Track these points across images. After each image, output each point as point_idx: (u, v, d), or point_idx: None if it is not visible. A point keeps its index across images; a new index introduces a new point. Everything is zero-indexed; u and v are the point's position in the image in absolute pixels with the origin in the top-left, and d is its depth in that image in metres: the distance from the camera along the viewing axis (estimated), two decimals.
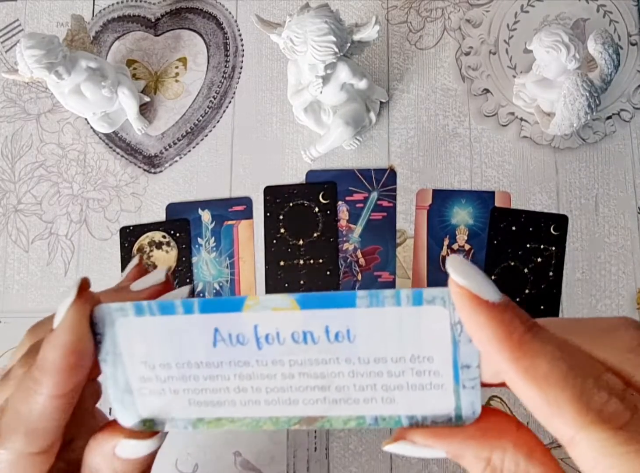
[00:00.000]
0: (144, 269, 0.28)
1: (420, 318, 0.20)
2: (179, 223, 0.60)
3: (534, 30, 0.60)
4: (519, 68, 0.60)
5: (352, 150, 0.59)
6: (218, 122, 0.62)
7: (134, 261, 0.28)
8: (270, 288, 0.58)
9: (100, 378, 0.23)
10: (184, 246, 0.60)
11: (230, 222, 0.60)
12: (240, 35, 0.64)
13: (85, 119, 0.63)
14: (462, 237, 0.57)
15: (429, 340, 0.20)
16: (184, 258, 0.60)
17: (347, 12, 0.63)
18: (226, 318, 0.21)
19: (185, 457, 0.55)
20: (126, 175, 0.62)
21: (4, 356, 0.59)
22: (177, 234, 0.60)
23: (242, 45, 0.64)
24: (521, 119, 0.59)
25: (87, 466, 0.22)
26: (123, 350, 0.22)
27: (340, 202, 0.59)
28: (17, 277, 0.61)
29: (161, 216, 0.61)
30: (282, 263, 0.58)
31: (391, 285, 0.57)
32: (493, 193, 0.58)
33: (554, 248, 0.56)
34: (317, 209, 0.59)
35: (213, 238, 0.59)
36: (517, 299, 0.54)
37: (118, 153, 0.63)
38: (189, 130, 0.62)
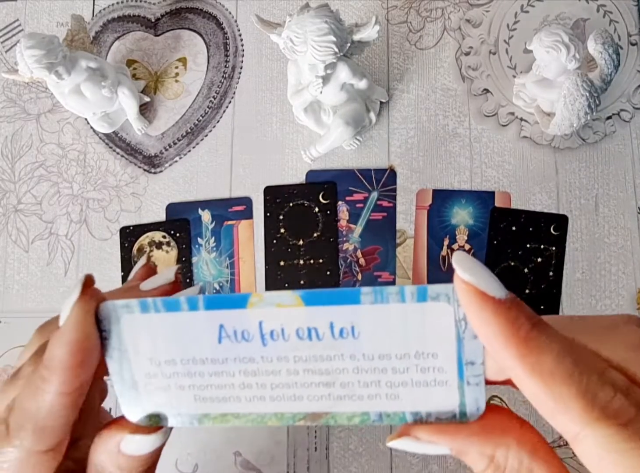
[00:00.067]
0: (152, 268, 0.28)
1: (425, 314, 0.20)
2: (179, 223, 0.60)
3: (534, 30, 0.60)
4: (519, 68, 0.60)
5: (352, 150, 0.59)
6: (218, 122, 0.62)
7: (142, 260, 0.28)
8: (270, 288, 0.58)
9: (106, 377, 0.24)
10: (184, 246, 0.60)
11: (230, 222, 0.60)
12: (240, 35, 0.64)
13: (85, 119, 0.63)
14: (462, 237, 0.57)
15: (433, 337, 0.20)
16: (184, 259, 0.59)
17: (347, 12, 0.63)
18: (231, 314, 0.21)
19: (185, 457, 0.55)
20: (126, 175, 0.62)
21: (4, 356, 0.59)
22: (177, 234, 0.60)
23: (242, 45, 0.64)
24: (521, 119, 0.59)
25: (92, 464, 0.23)
26: (129, 346, 0.22)
27: (340, 202, 0.59)
28: (17, 277, 0.61)
29: (161, 216, 0.61)
30: (282, 263, 0.58)
31: (391, 285, 0.57)
32: (493, 193, 0.58)
33: (554, 248, 0.56)
34: (317, 209, 0.59)
35: (213, 238, 0.59)
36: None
37: (118, 153, 0.63)
38: (189, 130, 0.62)
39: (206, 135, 0.62)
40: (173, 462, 0.55)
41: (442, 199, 0.58)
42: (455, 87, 0.60)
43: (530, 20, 0.61)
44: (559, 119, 0.53)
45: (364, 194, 0.59)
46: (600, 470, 0.18)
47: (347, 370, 0.21)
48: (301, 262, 0.58)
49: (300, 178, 0.60)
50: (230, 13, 0.64)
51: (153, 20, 0.65)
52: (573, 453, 0.19)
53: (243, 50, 0.63)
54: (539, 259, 0.56)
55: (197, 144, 0.62)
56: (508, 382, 0.20)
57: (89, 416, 0.24)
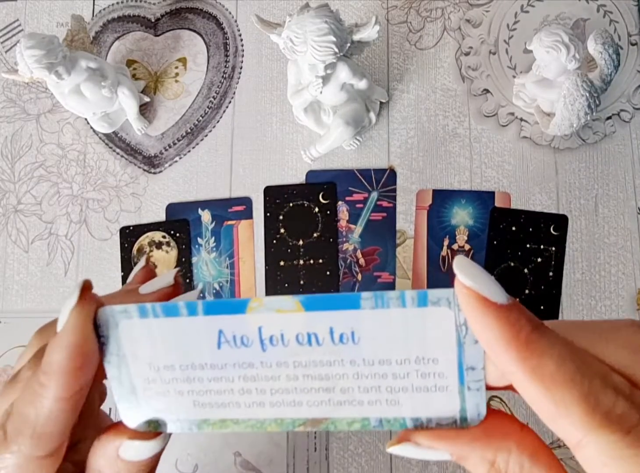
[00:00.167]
0: (151, 270, 0.28)
1: (425, 319, 0.20)
2: (179, 223, 0.60)
3: (534, 30, 0.60)
4: (519, 68, 0.60)
5: (352, 150, 0.59)
6: (218, 122, 0.62)
7: (141, 263, 0.28)
8: (270, 288, 0.58)
9: (105, 381, 0.23)
10: (183, 246, 0.60)
11: (230, 222, 0.60)
12: (240, 35, 0.64)
13: (85, 119, 0.63)
14: (462, 238, 0.57)
15: (434, 342, 0.20)
16: (183, 259, 0.59)
17: (347, 12, 0.62)
18: (230, 320, 0.21)
19: (185, 458, 0.55)
20: (126, 175, 0.62)
21: (4, 356, 0.59)
22: (177, 234, 0.60)
23: (242, 46, 0.63)
24: (521, 119, 0.59)
25: (91, 468, 0.22)
26: (127, 352, 0.22)
27: (340, 202, 0.59)
28: (17, 277, 0.61)
29: (161, 216, 0.61)
30: (282, 263, 0.58)
31: (391, 285, 0.57)
32: (493, 193, 0.58)
33: (553, 248, 0.56)
34: (317, 209, 0.59)
35: (213, 238, 0.59)
36: (517, 300, 0.53)
37: (118, 153, 0.63)
38: (189, 130, 0.62)
39: (206, 136, 0.62)
40: (173, 462, 0.55)
41: (442, 199, 0.58)
42: (455, 87, 0.60)
43: (530, 20, 0.61)
44: (558, 119, 0.53)
45: (364, 194, 0.58)
46: None
47: (347, 376, 0.21)
48: (301, 262, 0.58)
49: (300, 178, 0.60)
50: (230, 13, 0.64)
51: (153, 21, 0.65)
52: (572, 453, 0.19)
53: (243, 51, 0.63)
54: (539, 259, 0.56)
55: (197, 144, 0.62)
56: (509, 388, 0.20)
57: (88, 418, 0.24)
